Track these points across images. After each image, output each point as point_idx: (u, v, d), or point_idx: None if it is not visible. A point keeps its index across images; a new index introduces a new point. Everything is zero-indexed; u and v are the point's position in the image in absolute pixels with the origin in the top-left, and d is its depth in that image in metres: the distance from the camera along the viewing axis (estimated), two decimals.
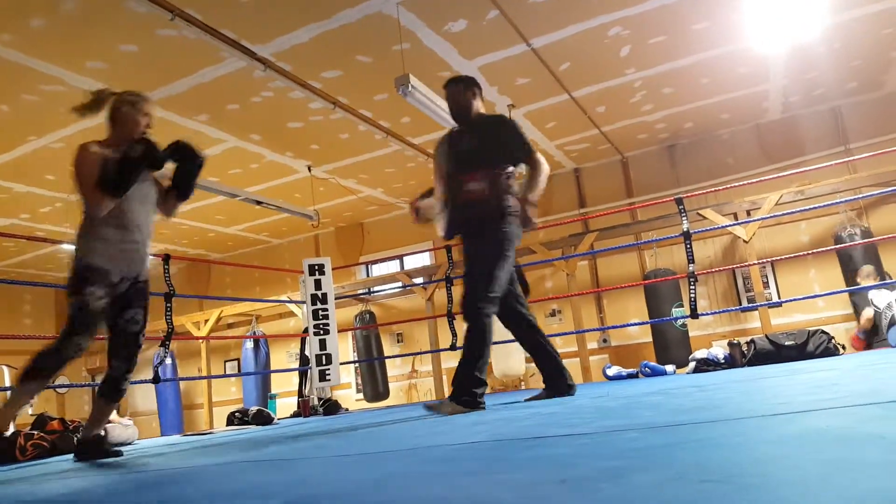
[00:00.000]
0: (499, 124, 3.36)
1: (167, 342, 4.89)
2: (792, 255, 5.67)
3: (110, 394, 2.81)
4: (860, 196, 5.90)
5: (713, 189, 5.80)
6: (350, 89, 5.58)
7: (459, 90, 3.36)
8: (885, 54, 6.05)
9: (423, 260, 9.28)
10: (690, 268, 5.01)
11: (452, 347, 5.54)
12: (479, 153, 3.22)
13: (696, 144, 7.71)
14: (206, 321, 9.14)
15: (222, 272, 10.49)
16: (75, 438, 3.85)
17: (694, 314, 4.98)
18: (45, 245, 8.71)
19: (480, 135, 3.27)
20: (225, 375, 10.10)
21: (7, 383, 7.64)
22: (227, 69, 4.97)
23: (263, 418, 5.32)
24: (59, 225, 8.15)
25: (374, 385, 8.29)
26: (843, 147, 6.99)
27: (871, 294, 5.51)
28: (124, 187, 2.66)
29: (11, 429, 3.63)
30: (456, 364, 3.07)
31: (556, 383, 3.37)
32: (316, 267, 6.01)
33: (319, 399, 6.30)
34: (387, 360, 8.59)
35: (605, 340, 7.83)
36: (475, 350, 3.02)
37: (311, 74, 5.25)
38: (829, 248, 6.02)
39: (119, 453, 2.77)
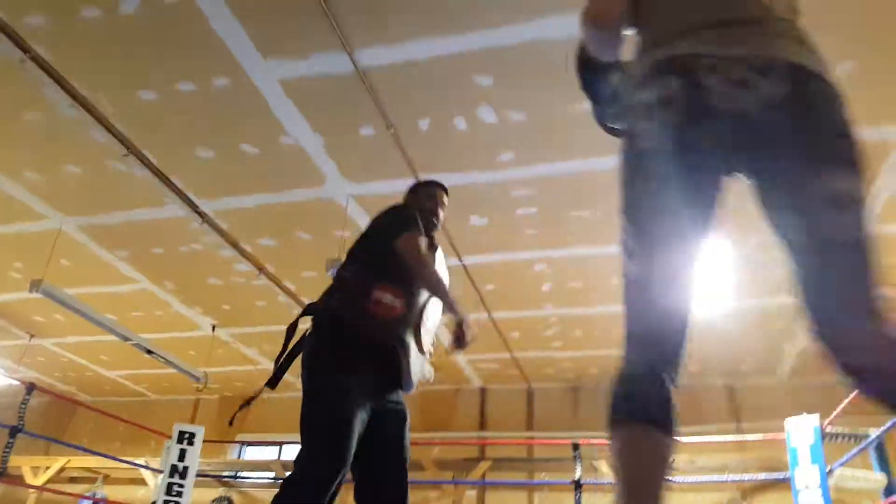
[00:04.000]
0: None
1: None
2: None
3: None
4: (747, 477, 6.05)
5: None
6: (280, 260, 5.61)
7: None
8: (778, 345, 6.60)
9: None
10: None
11: None
12: None
13: (598, 391, 7.89)
14: (48, 468, 8.10)
15: (86, 417, 9.52)
16: None
17: None
18: None
19: None
20: None
21: None
22: (165, 214, 4.96)
23: None
24: None
25: None
26: (736, 424, 7.31)
27: None
28: None
29: None
30: None
31: None
32: (186, 435, 5.53)
33: None
34: None
35: None
36: None
37: (245, 238, 5.29)
38: None
39: None
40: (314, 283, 5.88)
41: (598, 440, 6.16)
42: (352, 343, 2.29)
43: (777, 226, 1.18)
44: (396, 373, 2.35)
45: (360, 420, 2.20)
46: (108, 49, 3.53)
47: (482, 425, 8.15)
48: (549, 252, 5.22)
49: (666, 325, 1.22)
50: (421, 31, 3.33)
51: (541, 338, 6.80)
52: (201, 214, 4.91)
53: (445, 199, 2.81)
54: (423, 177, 4.37)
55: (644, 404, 1.18)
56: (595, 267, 5.38)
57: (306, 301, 6.27)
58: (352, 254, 2.53)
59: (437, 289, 2.39)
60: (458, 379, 8.11)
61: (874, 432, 4.34)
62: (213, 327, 7.03)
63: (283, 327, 7.15)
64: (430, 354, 2.55)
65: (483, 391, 8.38)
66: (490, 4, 3.16)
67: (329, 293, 2.44)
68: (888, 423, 3.77)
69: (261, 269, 5.70)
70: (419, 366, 2.46)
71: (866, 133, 3.68)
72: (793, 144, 1.13)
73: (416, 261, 2.37)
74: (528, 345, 7.02)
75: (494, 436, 7.86)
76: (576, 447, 5.22)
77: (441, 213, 2.76)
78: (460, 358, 7.44)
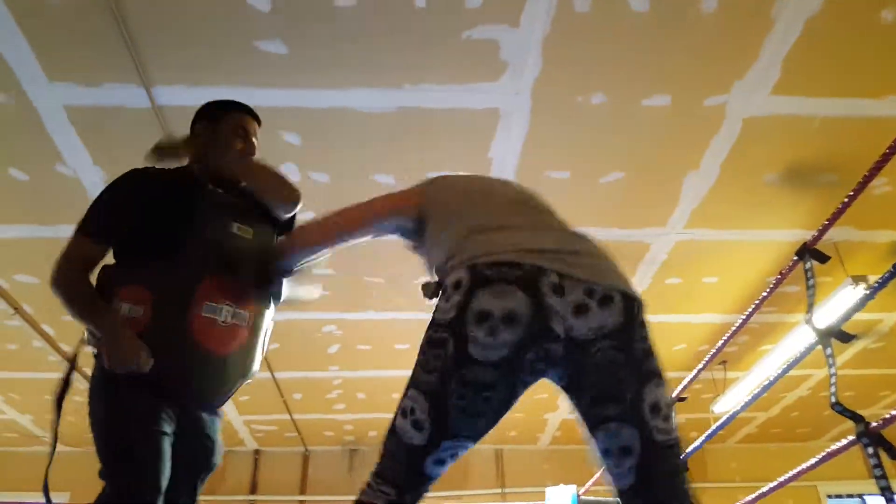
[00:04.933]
0: None
1: None
2: None
3: None
4: None
5: None
6: (41, 301, 5.00)
7: None
8: (541, 415, 7.15)
9: None
10: None
11: None
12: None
13: (375, 454, 7.85)
14: None
15: None
16: None
17: None
18: None
19: None
20: None
21: None
22: None
23: None
24: None
25: None
26: (500, 490, 7.70)
27: None
28: None
29: None
30: None
31: None
32: None
33: None
34: None
35: None
36: None
37: (2, 272, 4.67)
38: None
39: None
40: (77, 330, 5.30)
41: None
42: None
43: (606, 434, 1.27)
44: (178, 392, 1.78)
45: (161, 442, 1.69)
46: None
47: (253, 489, 7.75)
48: (341, 314, 5.25)
49: (425, 486, 1.37)
50: (228, 79, 3.25)
51: (323, 400, 6.72)
52: None
53: (246, 124, 2.09)
54: None
55: None
56: (383, 332, 5.49)
57: (64, 348, 5.64)
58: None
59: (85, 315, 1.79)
60: (231, 441, 7.67)
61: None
62: None
63: (37, 375, 6.41)
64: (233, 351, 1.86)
65: (257, 454, 8.00)
66: (300, 66, 3.20)
67: None
68: None
69: (16, 309, 5.03)
70: (217, 373, 1.84)
71: (628, 234, 4.15)
72: (621, 365, 1.26)
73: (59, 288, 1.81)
74: (309, 407, 6.88)
75: (266, 500, 7.51)
76: None
77: (251, 147, 2.06)
78: (235, 419, 7.07)
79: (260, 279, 1.92)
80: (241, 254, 1.90)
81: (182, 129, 3.48)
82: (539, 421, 7.35)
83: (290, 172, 3.84)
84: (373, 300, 5.07)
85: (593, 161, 3.87)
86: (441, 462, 1.32)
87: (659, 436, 1.24)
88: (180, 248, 1.82)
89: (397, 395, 5.76)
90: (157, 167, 2.01)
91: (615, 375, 1.26)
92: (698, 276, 4.99)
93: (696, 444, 3.51)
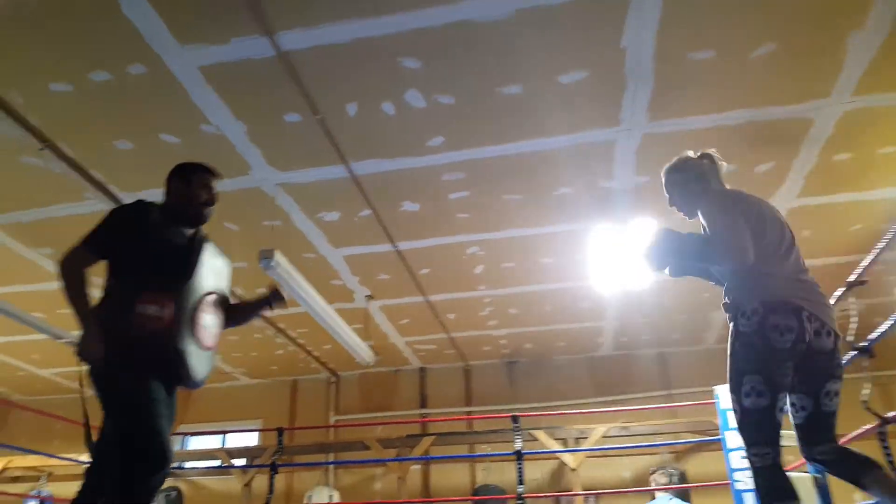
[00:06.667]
0: None
1: None
2: (614, 491, 5.84)
3: None
4: (679, 442, 6.31)
5: (547, 413, 6.00)
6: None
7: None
8: (705, 314, 6.87)
9: (249, 439, 8.63)
10: (520, 489, 5.01)
11: None
12: None
13: (533, 365, 8.10)
14: None
15: (21, 417, 9.14)
16: None
17: None
18: None
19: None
20: None
21: None
22: (86, 209, 4.73)
23: None
24: None
25: None
26: (667, 392, 7.59)
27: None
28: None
29: None
30: None
31: None
32: None
33: None
34: None
35: None
36: None
37: None
38: (650, 488, 6.26)
39: None
40: (244, 274, 5.75)
41: (535, 412, 6.31)
42: (126, 359, 2.30)
43: (800, 396, 2.42)
44: (177, 377, 2.50)
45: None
46: (13, 39, 3.34)
47: (423, 403, 8.25)
48: (482, 235, 5.27)
49: (778, 431, 2.31)
50: (343, 13, 3.24)
51: (476, 318, 6.89)
52: None
53: (209, 181, 2.69)
54: (353, 164, 4.34)
55: (789, 488, 2.22)
56: (526, 247, 5.47)
57: (238, 291, 6.15)
58: (111, 262, 2.48)
59: (73, 307, 2.32)
60: (398, 360, 8.16)
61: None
62: None
63: None
64: (215, 348, 2.69)
65: (422, 371, 8.46)
66: None
67: (98, 305, 2.40)
68: None
69: None
70: (204, 363, 2.61)
71: (787, 111, 3.71)
72: (828, 369, 2.39)
73: (60, 278, 2.36)
74: (464, 325, 7.10)
75: (435, 412, 7.98)
76: (515, 419, 5.36)
77: (202, 201, 2.65)
78: (398, 340, 7.46)
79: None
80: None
81: (308, 70, 3.58)
82: (703, 321, 7.07)
83: (415, 99, 3.81)
84: (512, 218, 5.02)
85: (739, 34, 3.45)
86: (782, 410, 2.28)
87: (827, 406, 2.40)
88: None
89: (549, 308, 5.73)
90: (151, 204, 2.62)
91: (820, 372, 2.39)
92: (872, 147, 4.41)
93: (882, 328, 3.22)
